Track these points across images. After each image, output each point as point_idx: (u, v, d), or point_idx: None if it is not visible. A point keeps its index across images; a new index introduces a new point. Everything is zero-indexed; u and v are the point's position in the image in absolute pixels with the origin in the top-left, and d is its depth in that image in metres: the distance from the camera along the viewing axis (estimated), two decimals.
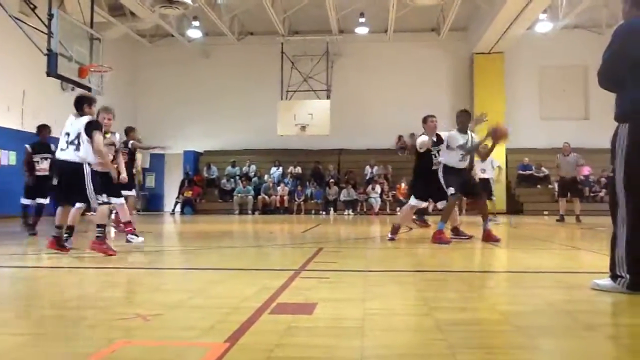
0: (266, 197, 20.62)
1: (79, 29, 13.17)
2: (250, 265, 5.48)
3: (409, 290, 3.92)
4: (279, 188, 20.81)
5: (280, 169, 21.99)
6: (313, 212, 20.22)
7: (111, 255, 5.82)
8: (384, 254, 6.74)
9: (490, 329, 2.83)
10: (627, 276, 3.52)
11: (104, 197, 6.10)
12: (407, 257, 6.27)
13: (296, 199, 20.59)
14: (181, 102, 23.05)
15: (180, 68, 23.29)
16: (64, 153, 6.01)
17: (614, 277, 3.61)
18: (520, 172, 21.39)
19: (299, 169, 22.00)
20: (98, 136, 5.96)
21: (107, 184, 6.44)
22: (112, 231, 9.18)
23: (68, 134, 6.04)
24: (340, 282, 4.29)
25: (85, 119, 6.04)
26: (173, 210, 20.94)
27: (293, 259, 5.89)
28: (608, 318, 3.19)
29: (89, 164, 5.93)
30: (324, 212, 20.06)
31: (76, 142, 5.94)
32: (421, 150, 7.70)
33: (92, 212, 6.54)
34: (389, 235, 7.78)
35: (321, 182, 21.25)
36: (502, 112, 21.28)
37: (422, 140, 7.68)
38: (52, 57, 11.67)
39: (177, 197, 21.13)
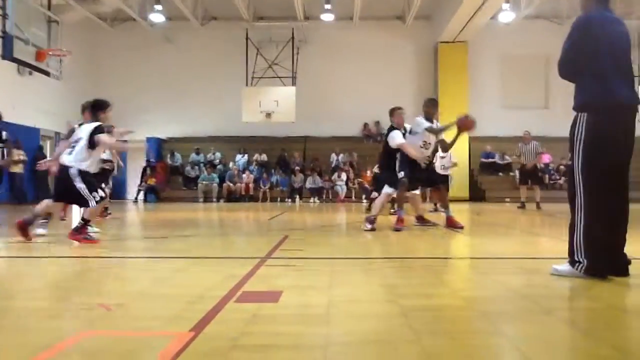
0: (231, 184, 20.47)
1: (36, 11, 12.77)
2: (215, 253, 5.44)
3: (375, 277, 3.96)
4: (244, 175, 20.68)
5: (246, 156, 21.83)
6: (278, 199, 20.18)
7: (92, 243, 5.74)
8: (350, 241, 6.78)
9: (453, 314, 2.88)
10: (585, 261, 3.63)
11: (100, 193, 5.99)
12: (372, 244, 6.32)
13: (261, 186, 20.50)
14: (144, 87, 22.61)
15: (143, 53, 22.81)
16: (64, 156, 6.02)
17: (573, 262, 3.72)
18: (483, 160, 21.78)
19: (264, 157, 21.90)
20: (104, 137, 6.00)
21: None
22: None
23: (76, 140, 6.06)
24: (306, 269, 4.30)
25: (93, 124, 6.04)
26: (136, 197, 20.59)
27: (258, 247, 5.87)
28: (566, 302, 3.29)
29: (79, 169, 5.85)
30: (289, 200, 20.05)
31: (74, 145, 5.96)
32: (395, 147, 7.64)
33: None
34: (368, 226, 7.33)
35: (287, 169, 21.20)
36: (465, 100, 21.60)
37: (398, 142, 7.51)
38: (7, 40, 11.29)
39: (140, 185, 20.78)
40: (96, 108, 6.25)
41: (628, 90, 3.68)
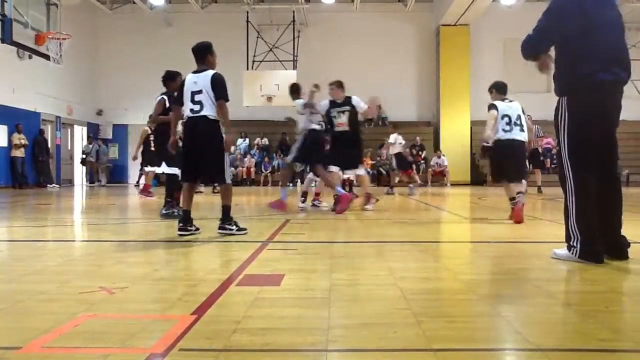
0: (232, 168, 20.47)
1: None
2: (217, 237, 5.45)
3: (375, 261, 3.97)
4: (245, 160, 20.67)
5: (247, 140, 21.80)
6: (280, 183, 20.17)
7: None
8: (350, 225, 6.79)
9: (453, 297, 2.89)
10: (578, 246, 3.64)
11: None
12: (372, 228, 6.33)
13: (263, 170, 20.51)
14: (144, 71, 22.46)
15: (143, 36, 22.67)
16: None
17: (569, 247, 3.73)
18: (485, 144, 21.73)
19: (265, 141, 21.86)
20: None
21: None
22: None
23: None
24: (307, 253, 4.32)
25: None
26: (137, 181, 20.58)
27: (260, 231, 5.88)
28: (566, 286, 3.30)
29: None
30: (290, 184, 20.06)
31: None
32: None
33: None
34: (368, 207, 8.04)
35: (288, 153, 21.16)
36: (467, 85, 21.52)
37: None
38: (6, 23, 11.22)
39: (141, 169, 20.75)
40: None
41: (609, 70, 3.61)
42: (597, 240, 3.62)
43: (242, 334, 2.15)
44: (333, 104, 7.98)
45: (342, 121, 7.87)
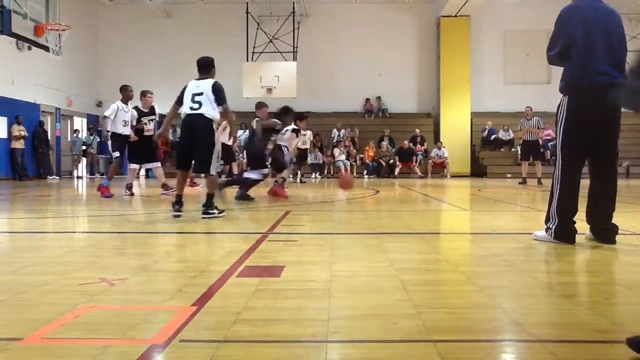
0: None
1: None
2: (217, 228, 5.45)
3: (375, 252, 3.97)
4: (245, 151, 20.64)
5: (247, 131, 21.72)
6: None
7: None
8: (350, 216, 6.79)
9: (453, 289, 2.90)
10: (553, 227, 4.09)
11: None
12: (372, 219, 6.33)
13: None
14: (144, 62, 22.46)
15: (142, 28, 22.60)
16: None
17: (547, 229, 4.15)
18: (484, 135, 21.71)
19: None
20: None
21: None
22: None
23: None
24: (308, 244, 4.32)
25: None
26: (137, 173, 20.56)
27: (260, 223, 5.89)
28: (565, 277, 3.30)
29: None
30: (290, 175, 20.05)
31: None
32: None
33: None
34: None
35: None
36: (467, 76, 21.46)
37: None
38: (5, 14, 11.17)
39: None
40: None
41: (602, 74, 3.93)
42: (570, 225, 4.05)
43: (242, 325, 2.15)
44: None
45: None
